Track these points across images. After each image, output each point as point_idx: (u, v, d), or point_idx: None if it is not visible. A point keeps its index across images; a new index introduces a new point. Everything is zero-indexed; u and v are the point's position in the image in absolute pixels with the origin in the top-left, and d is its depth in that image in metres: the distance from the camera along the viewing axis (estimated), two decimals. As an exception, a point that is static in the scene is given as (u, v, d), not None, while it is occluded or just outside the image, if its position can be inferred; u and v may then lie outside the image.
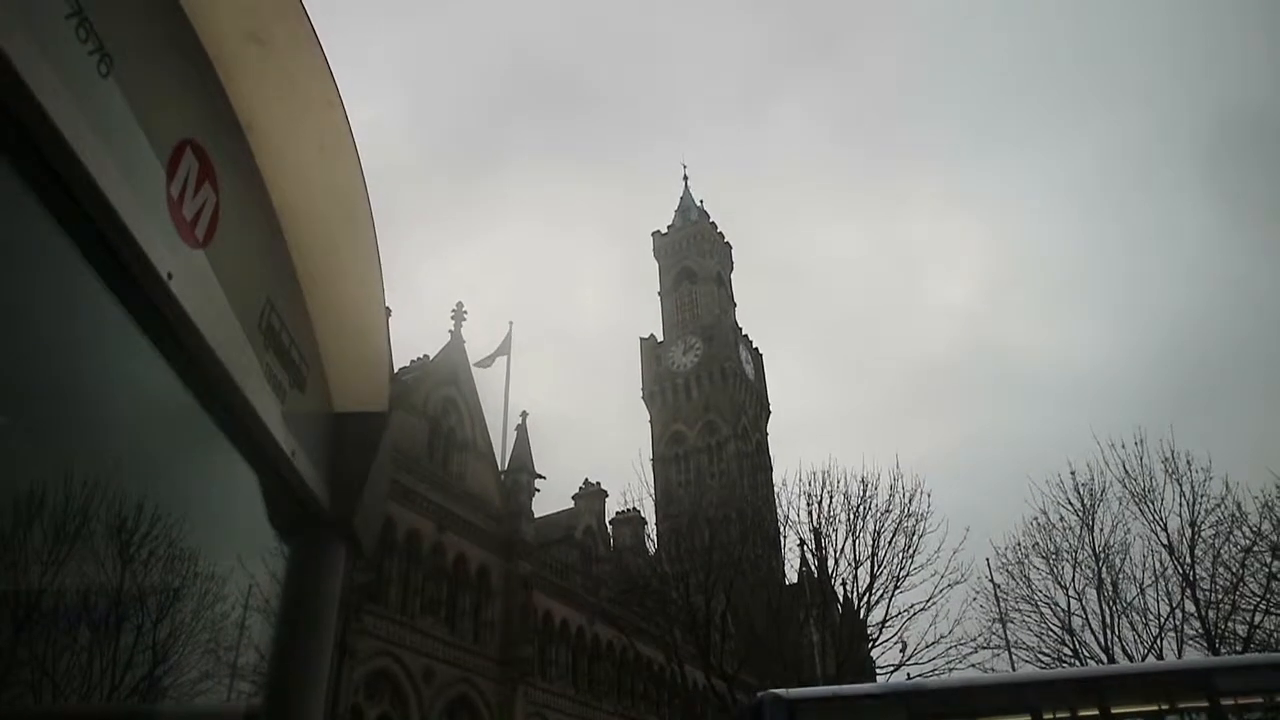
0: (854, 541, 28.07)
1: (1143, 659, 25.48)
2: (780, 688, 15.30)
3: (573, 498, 41.89)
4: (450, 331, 34.73)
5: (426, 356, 34.28)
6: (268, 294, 1.55)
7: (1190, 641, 25.35)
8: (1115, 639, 25.97)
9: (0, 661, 1.26)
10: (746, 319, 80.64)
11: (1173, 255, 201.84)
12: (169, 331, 1.30)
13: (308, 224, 1.61)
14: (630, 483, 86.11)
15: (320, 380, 1.78)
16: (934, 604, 27.01)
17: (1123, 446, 27.72)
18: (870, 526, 28.06)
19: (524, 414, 36.29)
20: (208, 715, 1.75)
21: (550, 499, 46.81)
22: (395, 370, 30.90)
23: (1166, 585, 26.03)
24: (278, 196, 1.57)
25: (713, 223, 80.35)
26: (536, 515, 34.81)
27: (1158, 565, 26.24)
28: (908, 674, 28.43)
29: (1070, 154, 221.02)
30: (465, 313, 35.14)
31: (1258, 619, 24.63)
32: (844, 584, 28.51)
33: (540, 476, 34.82)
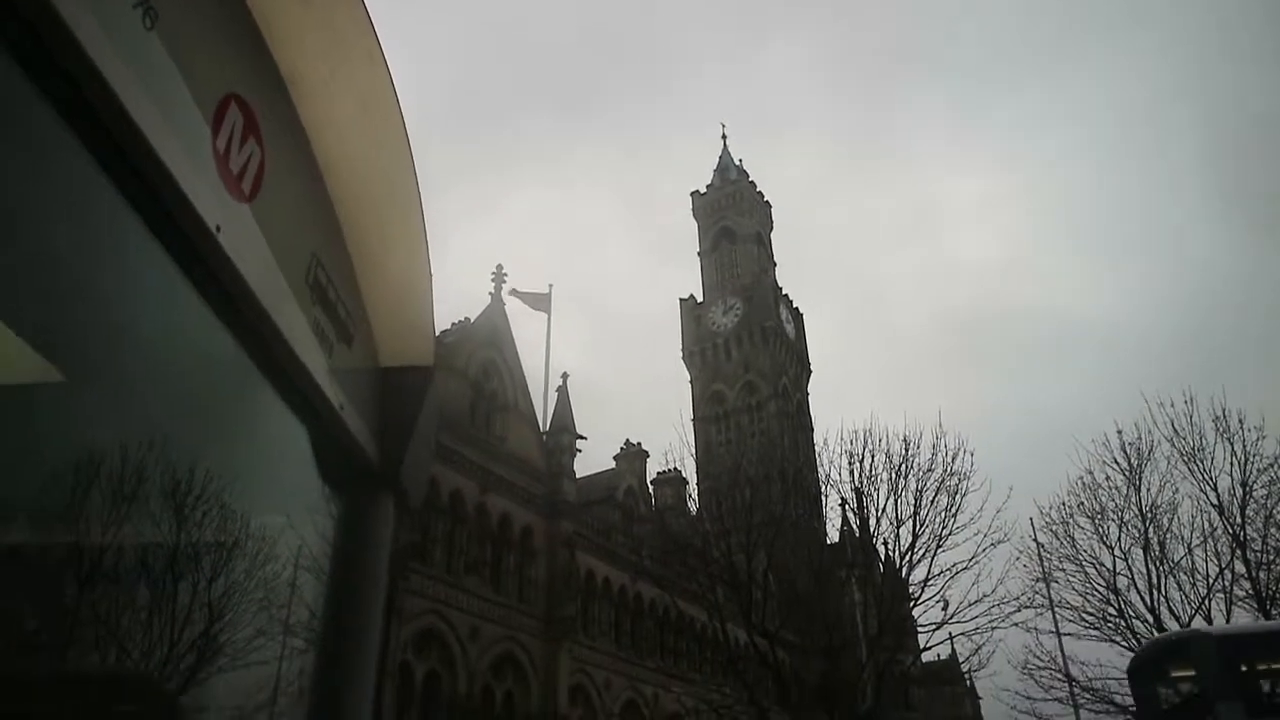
0: (896, 501, 27.94)
1: (1189, 620, 25.20)
2: (821, 645, 14.89)
3: (614, 458, 42.16)
4: (490, 294, 34.92)
5: (468, 319, 34.51)
6: (313, 249, 1.56)
7: (1239, 603, 24.99)
8: (1162, 599, 25.69)
9: (66, 620, 1.30)
10: (786, 278, 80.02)
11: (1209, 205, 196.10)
12: (218, 286, 1.32)
13: (352, 180, 1.62)
14: (671, 443, 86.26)
15: (367, 336, 1.79)
16: (976, 563, 26.85)
17: (1171, 405, 27.20)
18: (912, 486, 27.89)
19: (564, 375, 36.54)
20: (263, 670, 1.78)
21: (592, 460, 47.17)
22: (437, 333, 31.02)
23: (1216, 546, 25.62)
24: (321, 152, 1.57)
25: (752, 182, 79.49)
26: (578, 476, 35.12)
27: (1206, 525, 25.83)
28: (949, 633, 28.44)
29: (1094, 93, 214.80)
30: (505, 275, 35.29)
31: (1310, 580, 24.24)
32: (885, 543, 28.45)
33: (581, 437, 35.12)
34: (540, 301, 37.74)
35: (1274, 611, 24.22)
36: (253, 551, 1.71)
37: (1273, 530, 24.93)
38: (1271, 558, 24.80)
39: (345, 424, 1.67)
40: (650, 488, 41.86)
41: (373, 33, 1.38)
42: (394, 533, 1.91)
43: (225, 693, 1.65)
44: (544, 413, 35.20)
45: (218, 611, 1.60)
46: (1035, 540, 28.43)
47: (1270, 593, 24.47)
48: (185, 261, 1.26)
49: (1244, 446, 25.59)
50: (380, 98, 1.47)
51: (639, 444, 41.90)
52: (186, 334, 1.42)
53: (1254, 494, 25.21)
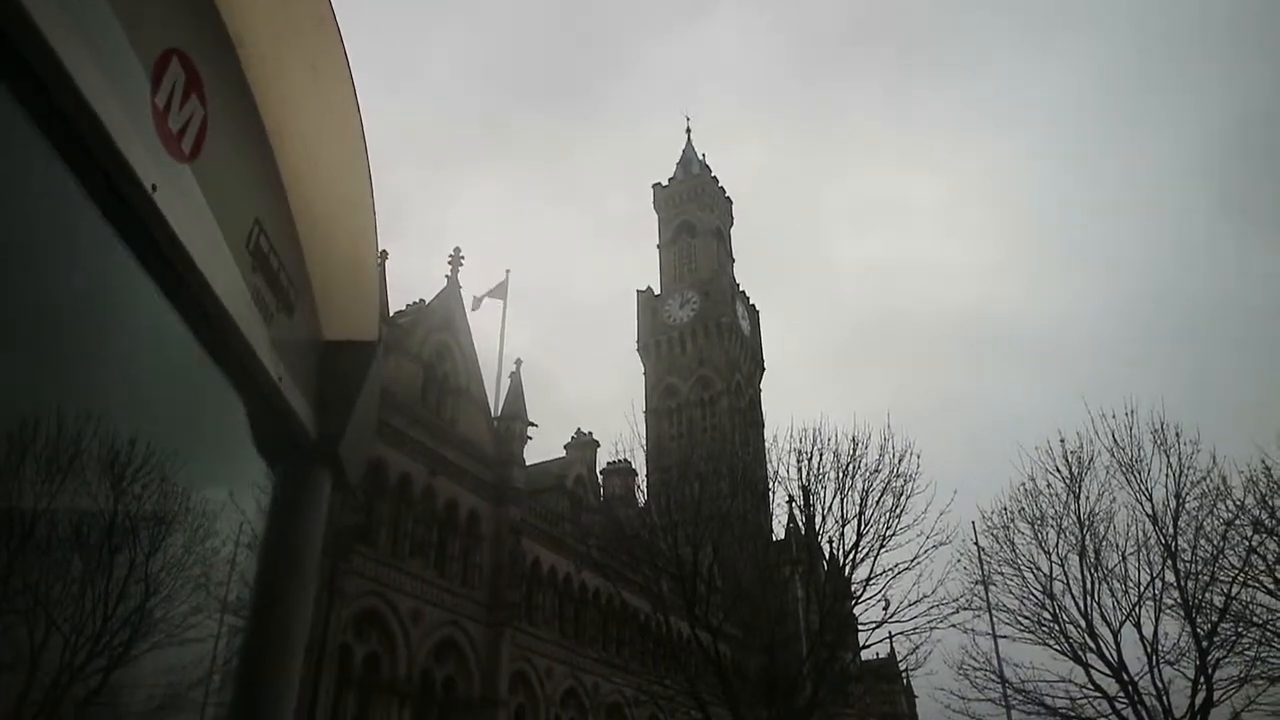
0: (842, 499, 28.23)
1: (1120, 626, 25.84)
2: (764, 640, 15.35)
3: (565, 447, 42.12)
4: (447, 277, 34.58)
5: (422, 301, 34.17)
6: (256, 214, 1.51)
7: (1168, 610, 25.69)
8: (1095, 605, 26.29)
9: None
10: (744, 274, 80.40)
11: (1170, 235, 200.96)
12: (154, 247, 1.27)
13: (299, 146, 1.57)
14: (622, 434, 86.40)
15: (309, 307, 1.75)
16: (918, 564, 27.25)
17: (1113, 416, 27.84)
18: (859, 485, 28.17)
19: (518, 361, 36.35)
20: (187, 646, 1.74)
21: (543, 447, 47.05)
22: (391, 314, 30.96)
23: (1148, 554, 26.27)
24: (269, 116, 1.53)
25: (714, 177, 79.65)
26: (528, 463, 34.99)
27: (1140, 534, 26.48)
28: (889, 632, 28.84)
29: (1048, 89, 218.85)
30: (462, 259, 34.97)
31: (1234, 590, 24.95)
32: (830, 541, 28.74)
33: (533, 424, 34.96)
34: (497, 288, 37.51)
35: (1199, 619, 24.93)
36: (186, 523, 1.67)
37: (1202, 541, 25.66)
38: (1200, 568, 25.52)
39: (284, 396, 1.63)
40: (600, 477, 41.87)
41: None
42: (333, 510, 1.88)
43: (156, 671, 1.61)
44: (496, 398, 35.04)
45: (138, 586, 1.55)
46: (976, 543, 28.95)
47: (1197, 601, 25.18)
48: (119, 221, 1.22)
49: (1179, 459, 26.29)
50: (330, 62, 1.43)
51: (590, 433, 41.92)
52: (117, 297, 1.37)
53: (1186, 505, 25.90)
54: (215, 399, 1.60)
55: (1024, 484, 28.72)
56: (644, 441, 38.09)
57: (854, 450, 28.66)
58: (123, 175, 1.15)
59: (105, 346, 1.40)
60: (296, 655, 1.67)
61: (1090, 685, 26.14)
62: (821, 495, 28.77)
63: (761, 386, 72.02)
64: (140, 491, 1.51)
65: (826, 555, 29.27)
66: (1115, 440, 27.32)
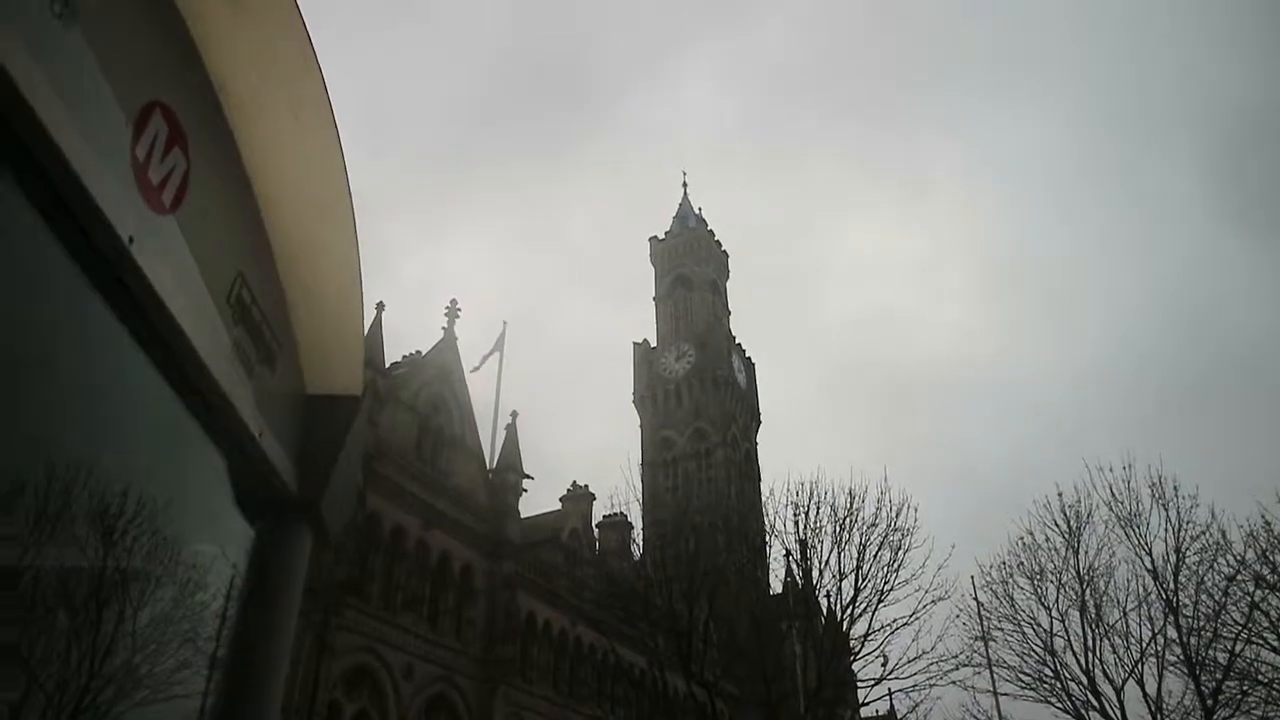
0: (839, 553, 27.99)
1: (1123, 683, 25.47)
2: (761, 696, 15.14)
3: (560, 499, 41.75)
4: (444, 329, 34.66)
5: (419, 352, 34.17)
6: (239, 267, 1.50)
7: (1171, 667, 25.35)
8: (1097, 661, 25.95)
9: None
10: (740, 327, 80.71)
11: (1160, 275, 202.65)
12: (131, 300, 1.25)
13: (283, 195, 1.56)
14: (618, 487, 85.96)
15: (292, 360, 1.73)
16: (917, 619, 26.95)
17: (1110, 470, 27.75)
18: (856, 539, 27.98)
19: (514, 414, 36.25)
20: (173, 702, 1.70)
21: (537, 500, 46.72)
22: (387, 365, 30.95)
23: (1149, 610, 26.01)
24: (252, 165, 1.52)
25: (710, 230, 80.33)
26: (523, 516, 34.69)
27: (1141, 590, 26.24)
28: (888, 689, 28.39)
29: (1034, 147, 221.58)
30: (459, 310, 35.10)
31: (1238, 647, 24.63)
32: (828, 596, 28.44)
33: (528, 477, 34.75)
34: (495, 343, 37.57)
35: (1203, 676, 24.57)
36: (160, 582, 1.63)
37: (1203, 596, 25.40)
38: (1202, 623, 25.23)
39: (264, 451, 1.60)
40: (595, 531, 41.49)
41: (308, 41, 1.33)
42: (324, 564, 1.84)
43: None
44: (491, 450, 34.85)
45: (114, 642, 1.52)
46: (975, 599, 28.66)
47: (1200, 658, 24.85)
48: (95, 274, 1.20)
49: (1178, 513, 26.15)
50: (315, 110, 1.42)
51: (585, 486, 41.58)
52: (95, 351, 1.35)
53: (1186, 560, 25.72)
54: (194, 454, 1.56)
55: (1022, 538, 28.55)
56: (640, 494, 37.85)
57: (851, 504, 28.53)
58: (98, 227, 1.13)
59: (78, 401, 1.38)
60: (273, 713, 1.62)
61: (1094, 744, 25.68)
62: (819, 549, 28.55)
63: (758, 439, 71.83)
64: (127, 545, 1.48)
65: (824, 610, 28.93)
66: (1113, 494, 27.23)
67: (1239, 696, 24.71)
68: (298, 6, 1.29)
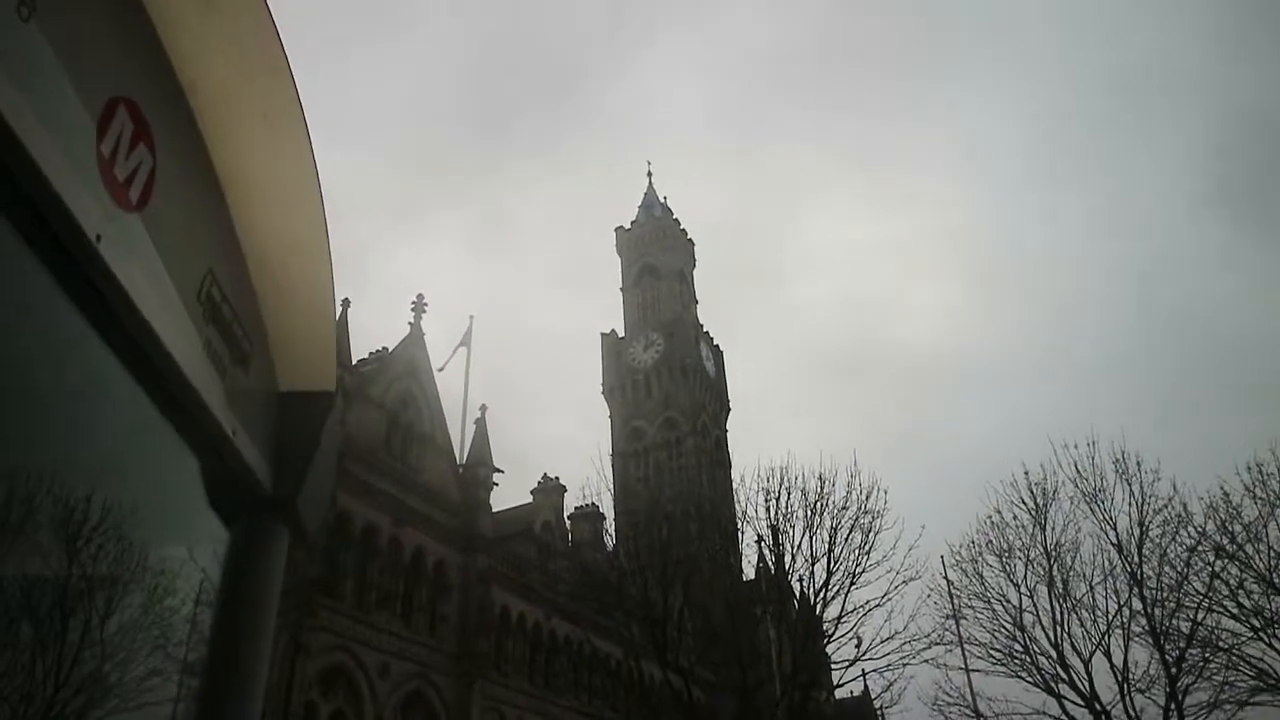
0: (811, 538, 28.24)
1: (1091, 655, 25.96)
2: (736, 682, 15.24)
3: (531, 492, 41.69)
4: (410, 324, 34.40)
5: (386, 349, 33.92)
6: (209, 264, 1.48)
7: (1136, 638, 25.88)
8: (1065, 635, 26.41)
9: None
10: (708, 316, 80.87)
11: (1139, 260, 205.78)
12: (100, 300, 1.23)
13: (252, 193, 1.54)
14: (589, 478, 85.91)
15: (264, 357, 1.71)
16: (889, 600, 27.27)
17: (1075, 447, 28.21)
18: (827, 523, 28.25)
19: (483, 408, 36.12)
20: (145, 710, 1.68)
21: (509, 494, 46.58)
22: (354, 362, 30.67)
23: (1114, 583, 26.54)
24: (221, 164, 1.50)
25: (676, 219, 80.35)
26: (495, 510, 34.61)
27: (1106, 564, 26.76)
28: (862, 670, 28.71)
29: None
30: (425, 305, 34.84)
31: (1200, 616, 25.22)
32: (800, 580, 28.68)
33: (499, 470, 34.67)
34: (462, 338, 37.35)
35: (1167, 646, 25.11)
36: (135, 586, 1.61)
37: (1166, 568, 25.96)
38: (1165, 595, 25.77)
39: (238, 450, 1.58)
40: (568, 522, 41.47)
41: (278, 41, 1.32)
42: (296, 564, 1.82)
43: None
44: (461, 445, 34.70)
45: (81, 651, 1.50)
46: (945, 578, 29.04)
47: (1164, 628, 25.39)
48: (62, 273, 1.18)
49: (1141, 488, 26.67)
50: (284, 109, 1.41)
51: (556, 478, 41.54)
52: (63, 352, 1.33)
53: (1150, 533, 26.26)
54: (167, 454, 1.54)
55: (990, 516, 28.97)
56: (611, 485, 37.87)
57: (821, 488, 28.77)
58: (65, 224, 1.11)
59: (45, 404, 1.35)
60: (254, 715, 1.61)
61: (1064, 716, 26.18)
62: (790, 534, 28.79)
63: (728, 426, 72.13)
64: (93, 552, 1.46)
65: (797, 594, 29.18)
66: (1078, 471, 27.70)
67: (1201, 664, 25.30)
68: (267, 5, 1.27)
